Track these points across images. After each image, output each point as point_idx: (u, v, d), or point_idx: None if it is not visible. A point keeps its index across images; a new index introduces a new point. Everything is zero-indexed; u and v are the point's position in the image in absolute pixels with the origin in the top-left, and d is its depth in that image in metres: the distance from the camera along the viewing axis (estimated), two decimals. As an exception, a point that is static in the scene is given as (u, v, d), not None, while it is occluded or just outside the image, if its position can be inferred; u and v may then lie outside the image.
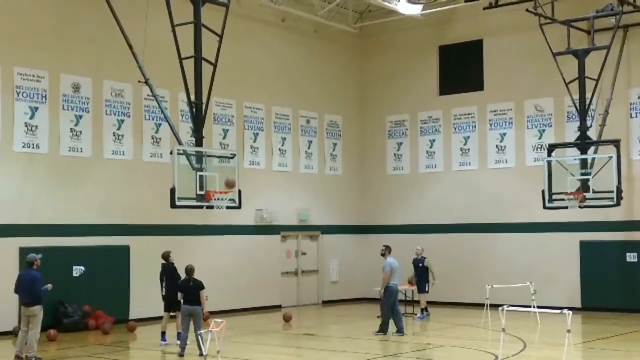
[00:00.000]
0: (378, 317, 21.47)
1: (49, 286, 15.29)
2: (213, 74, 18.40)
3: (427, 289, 21.92)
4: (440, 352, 16.75)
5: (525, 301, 19.70)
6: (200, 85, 18.23)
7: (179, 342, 15.89)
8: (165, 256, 17.34)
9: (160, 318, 17.09)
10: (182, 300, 15.70)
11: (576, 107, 21.73)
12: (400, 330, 18.36)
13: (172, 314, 16.95)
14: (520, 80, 24.78)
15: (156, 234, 21.41)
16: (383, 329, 18.39)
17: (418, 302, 22.27)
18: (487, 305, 19.67)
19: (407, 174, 27.01)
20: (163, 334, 17.08)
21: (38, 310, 15.01)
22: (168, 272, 17.11)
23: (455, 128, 26.09)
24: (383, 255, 18.71)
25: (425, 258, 22.13)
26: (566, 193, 20.92)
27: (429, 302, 22.24)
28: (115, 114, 21.13)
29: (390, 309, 18.40)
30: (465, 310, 23.17)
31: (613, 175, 20.50)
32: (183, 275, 16.03)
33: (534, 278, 21.39)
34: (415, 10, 24.42)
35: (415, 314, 22.15)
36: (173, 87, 21.01)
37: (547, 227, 23.68)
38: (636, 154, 22.91)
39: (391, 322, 18.48)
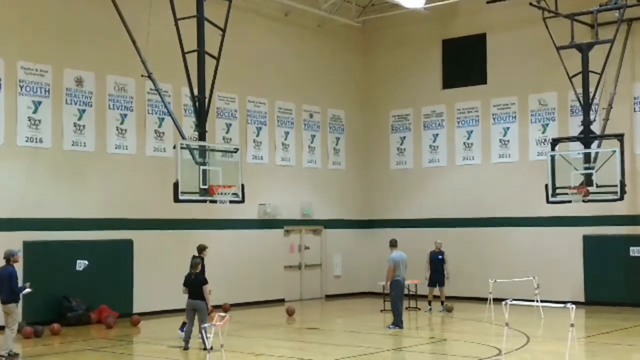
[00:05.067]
0: (382, 311, 21.56)
1: (28, 284, 14.85)
2: (216, 68, 18.38)
3: (444, 282, 22.04)
4: (443, 346, 16.76)
5: (529, 295, 19.73)
6: (203, 79, 18.21)
7: (181, 333, 16.07)
8: (199, 249, 17.61)
9: (164, 312, 17.13)
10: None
11: (580, 102, 21.68)
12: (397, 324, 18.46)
13: None
14: (524, 75, 24.73)
15: (159, 229, 21.47)
16: (397, 323, 18.37)
17: (425, 296, 22.27)
18: (490, 300, 19.68)
19: (411, 168, 26.99)
20: (184, 324, 17.13)
21: (14, 308, 14.50)
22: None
23: (458, 122, 26.06)
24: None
25: (443, 252, 22.18)
26: (570, 187, 20.90)
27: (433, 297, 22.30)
28: (118, 108, 21.13)
29: (399, 301, 18.42)
30: (469, 304, 23.16)
31: (616, 169, 20.45)
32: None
33: (537, 272, 21.40)
34: (419, 4, 24.37)
35: (419, 309, 22.16)
36: (176, 82, 21.00)
37: (551, 221, 23.66)
38: (640, 148, 22.88)
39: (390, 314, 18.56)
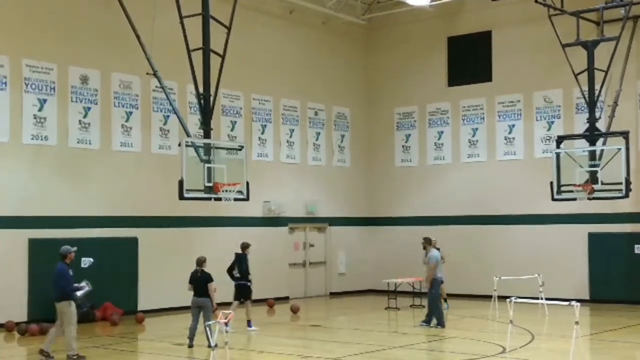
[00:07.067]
0: (386, 308, 21.52)
1: (83, 285, 14.42)
2: (221, 65, 18.38)
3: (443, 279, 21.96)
4: (447, 344, 16.75)
5: (533, 293, 19.70)
6: (209, 77, 18.22)
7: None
8: (243, 247, 18.00)
9: (169, 309, 17.09)
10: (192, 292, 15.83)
11: (585, 99, 21.64)
12: (428, 322, 18.44)
13: (241, 300, 17.71)
14: (529, 72, 24.70)
15: (164, 226, 21.50)
16: (440, 322, 18.27)
17: (425, 293, 22.21)
18: (495, 297, 19.67)
19: (415, 166, 26.98)
20: (248, 322, 17.77)
21: (65, 307, 14.08)
22: (239, 261, 17.73)
23: (463, 120, 26.04)
24: (424, 248, 18.74)
25: (439, 249, 22.12)
26: (575, 185, 20.85)
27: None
28: (123, 106, 21.16)
29: (436, 300, 18.42)
30: (473, 302, 23.16)
31: (622, 167, 20.41)
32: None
33: (542, 270, 21.37)
34: (424, 1, 24.35)
35: (423, 306, 22.12)
36: (181, 79, 21.03)
37: (556, 219, 23.64)
38: (645, 145, 22.82)
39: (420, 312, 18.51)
